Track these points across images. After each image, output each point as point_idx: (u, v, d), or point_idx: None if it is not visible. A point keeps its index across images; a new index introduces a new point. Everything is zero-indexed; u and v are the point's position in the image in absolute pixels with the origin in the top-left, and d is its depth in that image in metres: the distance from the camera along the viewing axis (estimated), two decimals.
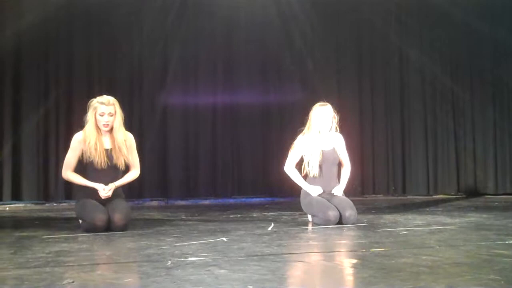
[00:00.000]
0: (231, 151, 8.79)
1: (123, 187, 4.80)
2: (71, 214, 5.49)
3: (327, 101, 5.17)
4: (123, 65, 8.30)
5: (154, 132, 8.41)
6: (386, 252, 3.31)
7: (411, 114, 9.32)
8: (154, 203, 8.12)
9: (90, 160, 4.56)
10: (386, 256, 3.13)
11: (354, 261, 3.09)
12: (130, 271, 2.90)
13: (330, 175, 5.08)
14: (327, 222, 4.72)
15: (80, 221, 4.59)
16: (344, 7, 9.12)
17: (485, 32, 9.19)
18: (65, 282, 2.54)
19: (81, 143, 4.60)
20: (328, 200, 4.92)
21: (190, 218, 5.75)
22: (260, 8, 8.69)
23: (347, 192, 5.27)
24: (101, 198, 4.55)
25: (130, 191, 7.65)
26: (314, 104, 5.14)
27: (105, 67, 8.32)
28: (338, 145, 5.13)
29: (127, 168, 4.77)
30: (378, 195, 9.05)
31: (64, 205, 7.56)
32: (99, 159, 4.55)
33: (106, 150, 4.61)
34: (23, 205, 7.65)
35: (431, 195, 9.09)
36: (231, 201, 8.40)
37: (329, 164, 5.06)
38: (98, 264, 3.07)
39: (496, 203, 7.49)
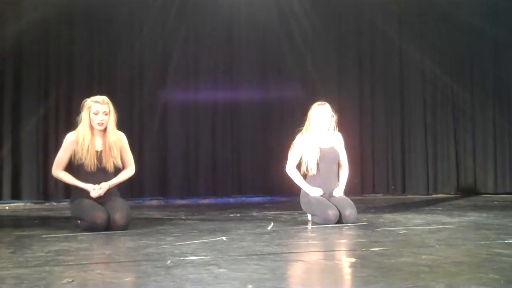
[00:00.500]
0: (231, 150, 8.79)
1: (121, 186, 4.80)
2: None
3: (327, 101, 5.18)
4: (124, 65, 8.31)
5: (154, 131, 8.41)
6: (385, 251, 3.31)
7: (411, 114, 9.33)
8: (154, 202, 8.12)
9: (81, 162, 4.56)
10: (385, 255, 3.13)
11: (354, 260, 3.09)
12: (129, 270, 2.90)
13: (330, 174, 5.08)
14: (326, 221, 4.72)
15: (79, 221, 4.58)
16: (345, 6, 9.12)
17: (485, 31, 9.19)
18: (64, 281, 2.54)
19: (73, 143, 4.59)
20: (328, 199, 4.92)
21: (189, 217, 5.74)
22: (260, 7, 8.69)
23: (348, 191, 5.27)
24: (96, 198, 4.55)
25: (130, 190, 7.67)
26: (313, 103, 5.14)
27: (106, 66, 8.31)
28: (336, 143, 5.14)
29: (116, 170, 4.74)
30: (377, 194, 9.05)
31: (64, 204, 7.54)
32: (89, 162, 4.55)
33: (97, 152, 4.60)
34: (22, 204, 7.65)
35: (431, 194, 9.10)
36: (231, 200, 8.40)
37: (328, 163, 5.06)
38: (98, 263, 3.07)
39: (496, 202, 7.49)
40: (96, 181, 4.60)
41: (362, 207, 6.36)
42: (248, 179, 8.82)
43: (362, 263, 2.95)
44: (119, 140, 4.73)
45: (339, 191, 5.04)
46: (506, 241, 3.66)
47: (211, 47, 8.74)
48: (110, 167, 4.64)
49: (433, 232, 4.23)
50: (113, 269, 2.89)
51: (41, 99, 7.94)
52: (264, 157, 8.70)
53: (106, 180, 4.64)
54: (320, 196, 4.95)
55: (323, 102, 5.11)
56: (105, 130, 4.64)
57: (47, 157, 7.88)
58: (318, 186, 5.00)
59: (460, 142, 9.37)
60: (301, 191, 5.09)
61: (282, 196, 8.08)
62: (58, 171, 4.66)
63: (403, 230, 4.35)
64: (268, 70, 8.98)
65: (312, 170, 5.01)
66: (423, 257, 3.07)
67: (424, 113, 9.32)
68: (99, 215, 4.36)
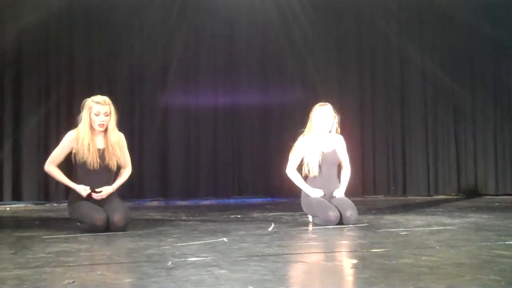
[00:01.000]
0: (232, 151, 8.80)
1: (121, 186, 4.79)
2: None
3: (328, 101, 5.17)
4: (124, 65, 8.31)
5: (155, 132, 8.42)
6: (386, 252, 3.31)
7: (411, 114, 9.32)
8: (155, 203, 8.11)
9: (83, 160, 4.52)
10: (386, 257, 3.13)
11: (355, 261, 3.09)
12: (130, 272, 2.90)
13: (330, 176, 5.07)
14: (327, 222, 4.72)
15: (78, 223, 4.57)
16: (345, 6, 9.12)
17: (486, 32, 9.19)
18: (65, 282, 2.54)
19: (73, 141, 4.57)
20: (329, 201, 4.92)
21: (190, 218, 5.74)
22: (260, 8, 8.70)
23: (349, 192, 5.26)
24: (94, 199, 4.54)
25: (130, 191, 7.67)
26: (314, 105, 5.13)
27: (106, 67, 8.32)
28: (338, 146, 5.12)
29: (118, 169, 4.74)
30: (378, 196, 9.04)
31: (65, 205, 7.51)
32: (92, 160, 4.52)
33: (99, 150, 4.58)
34: (23, 205, 7.65)
35: (432, 196, 9.09)
36: (232, 201, 8.40)
37: (329, 165, 5.06)
38: (99, 264, 3.07)
39: (497, 203, 7.48)
40: (100, 179, 4.59)
41: (363, 208, 6.36)
42: (249, 180, 8.83)
43: (363, 264, 2.95)
44: (120, 140, 4.73)
45: (339, 192, 5.04)
46: (507, 243, 3.66)
47: (211, 48, 8.75)
48: (113, 165, 4.62)
49: (434, 233, 4.23)
50: (114, 270, 2.89)
51: (41, 100, 7.95)
52: (264, 158, 8.70)
53: (109, 178, 4.65)
54: (321, 197, 4.95)
55: (325, 103, 5.10)
56: (105, 130, 4.62)
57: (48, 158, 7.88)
58: (319, 188, 5.00)
59: (461, 143, 9.36)
60: (302, 192, 5.08)
61: (283, 197, 8.08)
62: (51, 167, 4.64)
63: (403, 231, 4.35)
64: (268, 70, 8.98)
65: (314, 172, 5.00)
66: (424, 258, 3.06)
67: (425, 114, 9.32)
68: (99, 217, 4.36)
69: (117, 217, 4.41)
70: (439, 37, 9.41)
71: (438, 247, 3.50)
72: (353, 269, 2.91)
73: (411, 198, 8.83)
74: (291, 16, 8.82)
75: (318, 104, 5.11)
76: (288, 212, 6.13)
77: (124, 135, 4.81)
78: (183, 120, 8.61)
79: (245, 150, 8.84)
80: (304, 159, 5.06)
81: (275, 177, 7.75)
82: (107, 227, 4.39)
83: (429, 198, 8.83)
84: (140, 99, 8.42)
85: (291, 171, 5.10)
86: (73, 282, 2.54)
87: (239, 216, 5.89)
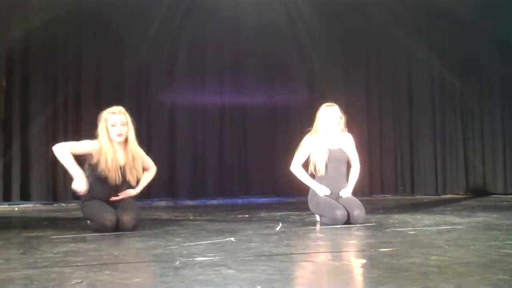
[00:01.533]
0: (239, 151, 8.81)
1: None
2: (80, 214, 5.51)
3: (334, 101, 5.15)
4: (131, 66, 8.33)
5: (162, 132, 8.44)
6: (394, 252, 3.30)
7: (419, 114, 9.31)
8: (162, 203, 8.13)
9: (103, 175, 4.45)
10: (394, 256, 3.12)
11: (363, 261, 3.08)
12: (138, 271, 2.90)
13: (338, 175, 5.04)
14: (335, 221, 4.71)
15: (88, 221, 4.59)
16: (352, 7, 9.11)
17: (493, 32, 9.17)
18: (73, 282, 2.55)
19: (96, 152, 4.45)
20: (336, 200, 4.90)
21: (198, 218, 5.75)
22: (266, 8, 8.70)
23: (357, 191, 5.24)
24: (108, 198, 4.55)
25: None
26: (321, 104, 5.11)
27: (113, 67, 8.35)
28: (346, 144, 5.09)
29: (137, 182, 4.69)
30: (386, 195, 9.03)
31: (73, 205, 7.57)
32: (114, 176, 4.46)
33: (121, 167, 4.52)
34: (31, 205, 7.69)
35: (440, 195, 9.07)
36: (239, 201, 8.40)
37: (337, 164, 5.02)
38: (107, 264, 3.08)
39: (505, 202, 7.45)
40: (118, 191, 4.58)
41: (371, 208, 6.34)
42: (256, 179, 8.83)
43: (371, 264, 2.94)
44: (140, 152, 4.70)
45: (347, 192, 5.02)
46: None
47: (217, 48, 8.77)
48: (133, 179, 4.58)
49: (442, 232, 4.21)
50: (122, 270, 2.90)
51: (49, 100, 7.99)
52: (271, 157, 8.69)
53: (127, 188, 4.64)
54: (328, 196, 4.93)
55: (331, 104, 5.08)
56: (126, 141, 4.56)
57: (56, 158, 7.90)
58: (326, 186, 4.98)
59: (469, 142, 9.34)
60: (309, 191, 5.07)
61: (290, 196, 8.07)
62: (65, 149, 4.43)
63: (412, 230, 4.34)
64: (274, 70, 8.98)
65: (320, 171, 4.98)
66: (432, 257, 3.05)
67: (433, 113, 9.31)
68: (109, 218, 4.36)
69: (127, 218, 4.42)
70: (446, 38, 9.39)
71: (446, 247, 3.49)
72: (361, 269, 2.90)
73: (419, 197, 8.81)
74: (297, 16, 8.81)
75: (325, 104, 5.08)
76: (296, 211, 6.13)
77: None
78: (190, 120, 8.62)
79: (252, 149, 8.84)
80: (311, 157, 5.03)
81: (283, 176, 7.73)
82: (117, 226, 4.40)
83: (437, 197, 8.81)
84: (147, 99, 8.44)
85: (295, 167, 5.06)
86: (81, 282, 2.55)
87: (246, 215, 5.89)
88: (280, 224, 4.91)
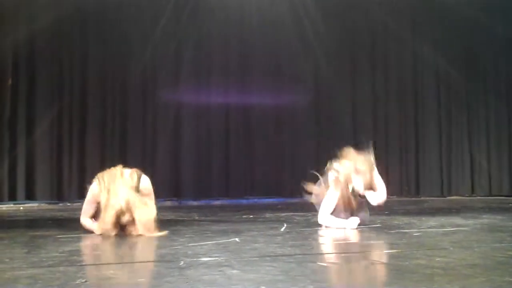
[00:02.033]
0: (244, 151, 8.79)
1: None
2: None
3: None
4: (136, 65, 8.33)
5: (167, 132, 8.43)
6: (399, 253, 3.29)
7: (425, 114, 9.29)
8: (167, 203, 8.12)
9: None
10: (399, 258, 3.11)
11: (368, 262, 3.08)
12: (143, 271, 2.90)
13: (359, 207, 4.81)
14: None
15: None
16: (357, 6, 9.10)
17: (499, 31, 9.14)
18: (78, 281, 2.55)
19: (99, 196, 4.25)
20: None
21: (203, 218, 5.75)
22: (272, 8, 8.70)
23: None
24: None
25: None
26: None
27: (118, 67, 8.35)
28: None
29: None
30: (391, 196, 8.99)
31: (78, 205, 7.57)
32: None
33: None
34: (36, 204, 7.70)
35: (445, 196, 9.04)
36: (244, 201, 8.39)
37: (361, 204, 4.80)
38: (111, 263, 3.08)
39: (511, 204, 7.42)
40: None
41: (376, 209, 6.32)
42: (261, 180, 8.81)
43: (376, 265, 2.93)
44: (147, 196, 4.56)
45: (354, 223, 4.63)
46: None
47: (223, 48, 8.76)
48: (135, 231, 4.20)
49: (447, 234, 4.20)
50: (126, 270, 2.90)
51: (55, 100, 8.00)
52: (277, 158, 8.69)
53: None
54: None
55: (364, 150, 4.74)
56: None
57: (61, 158, 7.93)
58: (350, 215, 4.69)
59: (475, 143, 9.31)
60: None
61: (295, 197, 8.05)
62: (87, 219, 4.36)
63: (417, 232, 4.33)
64: (280, 70, 8.97)
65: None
66: (437, 259, 3.04)
67: (438, 113, 9.28)
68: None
69: (137, 230, 4.35)
70: (452, 37, 9.36)
71: (451, 248, 3.48)
72: (366, 270, 2.90)
73: (424, 198, 8.78)
74: (303, 16, 8.80)
75: (359, 157, 4.68)
76: (300, 212, 6.12)
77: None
78: (196, 121, 8.62)
79: (257, 150, 8.83)
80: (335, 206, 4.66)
81: (287, 177, 7.73)
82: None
83: (442, 198, 8.78)
84: (152, 99, 8.44)
85: (325, 218, 4.65)
86: (86, 281, 2.55)
87: (251, 216, 5.89)
88: (285, 225, 4.90)
